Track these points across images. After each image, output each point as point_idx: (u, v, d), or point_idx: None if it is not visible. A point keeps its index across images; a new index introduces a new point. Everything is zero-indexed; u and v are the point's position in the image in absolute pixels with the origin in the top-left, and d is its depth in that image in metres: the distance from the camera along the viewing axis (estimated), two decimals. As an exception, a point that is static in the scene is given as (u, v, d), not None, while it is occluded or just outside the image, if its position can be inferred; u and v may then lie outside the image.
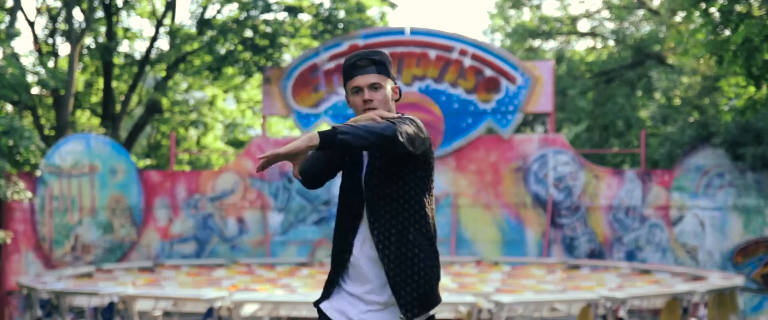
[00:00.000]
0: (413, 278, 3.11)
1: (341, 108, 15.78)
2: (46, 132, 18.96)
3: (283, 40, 17.20)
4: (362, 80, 3.14)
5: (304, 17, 18.47)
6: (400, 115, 3.16)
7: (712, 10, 13.91)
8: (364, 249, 3.17)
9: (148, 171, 16.27)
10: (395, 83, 3.24)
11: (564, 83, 21.30)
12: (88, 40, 19.40)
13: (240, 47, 17.18)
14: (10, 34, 14.55)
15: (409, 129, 2.98)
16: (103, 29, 19.65)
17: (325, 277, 3.86)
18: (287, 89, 15.86)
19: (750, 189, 14.08)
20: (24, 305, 11.60)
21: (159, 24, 19.33)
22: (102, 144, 15.30)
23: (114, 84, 20.15)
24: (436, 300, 3.18)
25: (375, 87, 3.15)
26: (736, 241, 14.16)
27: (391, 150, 2.94)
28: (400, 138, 2.90)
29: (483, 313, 9.21)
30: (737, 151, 13.85)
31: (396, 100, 3.24)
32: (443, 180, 15.50)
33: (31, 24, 18.42)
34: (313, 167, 3.18)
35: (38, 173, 14.37)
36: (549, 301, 10.25)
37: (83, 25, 18.08)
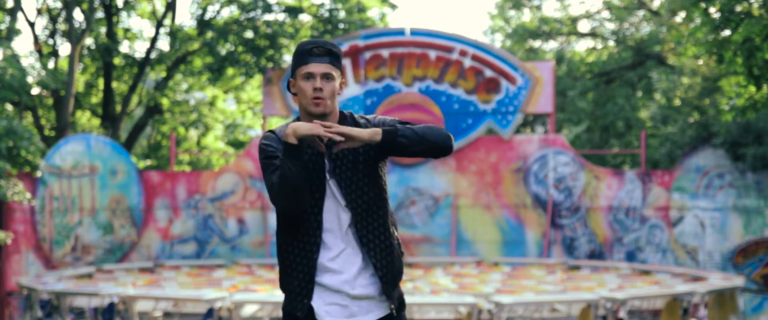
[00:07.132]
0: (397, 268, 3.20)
1: (340, 108, 15.76)
2: (47, 132, 18.95)
3: (284, 40, 17.19)
4: (316, 68, 3.14)
5: (305, 18, 18.47)
6: (386, 118, 3.25)
7: (712, 9, 13.90)
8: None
9: (148, 171, 16.27)
10: (343, 79, 3.25)
11: (564, 84, 21.29)
12: (89, 41, 19.40)
13: (240, 48, 17.18)
14: (11, 34, 14.55)
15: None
16: (103, 30, 19.65)
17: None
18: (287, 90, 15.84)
19: (750, 189, 14.07)
20: (24, 305, 11.59)
21: (159, 24, 19.32)
22: (102, 144, 15.30)
23: (114, 84, 20.15)
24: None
25: (327, 77, 3.15)
26: (737, 242, 14.15)
27: (439, 155, 3.05)
28: (452, 143, 3.04)
29: (483, 314, 9.21)
30: (738, 152, 13.84)
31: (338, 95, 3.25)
32: (443, 180, 15.49)
33: (32, 24, 18.42)
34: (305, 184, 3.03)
35: (38, 174, 14.37)
36: (549, 302, 10.25)
37: (83, 26, 18.08)
